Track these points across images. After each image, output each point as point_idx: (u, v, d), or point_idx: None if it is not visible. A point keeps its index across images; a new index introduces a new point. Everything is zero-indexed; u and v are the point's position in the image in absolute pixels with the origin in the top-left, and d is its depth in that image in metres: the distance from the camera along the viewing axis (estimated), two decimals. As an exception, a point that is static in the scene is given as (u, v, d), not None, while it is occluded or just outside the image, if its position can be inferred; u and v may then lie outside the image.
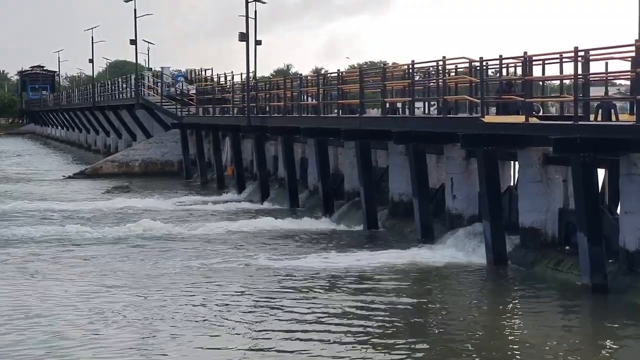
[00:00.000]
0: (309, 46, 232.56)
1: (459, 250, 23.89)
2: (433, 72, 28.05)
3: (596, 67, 20.78)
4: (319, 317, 17.22)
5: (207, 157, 49.29)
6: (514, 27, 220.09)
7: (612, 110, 20.58)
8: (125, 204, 36.41)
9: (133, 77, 63.01)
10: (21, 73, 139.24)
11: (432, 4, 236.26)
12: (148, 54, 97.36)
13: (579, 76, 19.52)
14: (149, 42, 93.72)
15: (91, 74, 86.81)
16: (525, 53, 22.01)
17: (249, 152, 44.14)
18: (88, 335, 16.00)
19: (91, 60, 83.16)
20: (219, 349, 15.26)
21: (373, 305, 18.16)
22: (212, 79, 58.23)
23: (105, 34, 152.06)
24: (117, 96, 69.62)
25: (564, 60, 22.15)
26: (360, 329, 16.30)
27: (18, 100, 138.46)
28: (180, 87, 58.79)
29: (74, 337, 15.89)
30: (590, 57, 19.52)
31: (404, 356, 14.76)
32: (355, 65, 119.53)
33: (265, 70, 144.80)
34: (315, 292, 19.55)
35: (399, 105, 30.57)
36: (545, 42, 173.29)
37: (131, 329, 16.40)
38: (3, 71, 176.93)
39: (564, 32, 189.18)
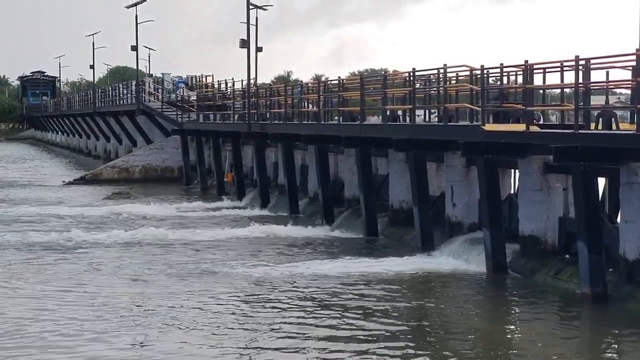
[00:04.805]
0: (314, 53, 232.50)
1: (459, 258, 23.88)
2: (434, 80, 28.06)
3: (597, 76, 20.84)
4: (317, 324, 17.20)
5: (207, 163, 49.31)
6: (519, 35, 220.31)
7: (613, 119, 20.58)
8: (125, 210, 36.38)
9: (134, 83, 63.07)
10: (22, 78, 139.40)
11: (438, 11, 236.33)
12: (149, 60, 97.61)
13: (579, 85, 19.55)
14: (150, 49, 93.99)
15: (92, 80, 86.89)
16: (526, 61, 22.02)
17: (249, 158, 44.15)
18: (84, 338, 15.99)
19: (92, 66, 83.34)
20: (216, 353, 15.25)
21: (371, 313, 18.13)
22: (212, 85, 58.30)
23: (107, 40, 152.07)
24: (117, 102, 69.68)
25: (564, 68, 22.19)
26: (358, 337, 16.25)
27: (18, 105, 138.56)
28: (181, 94, 58.81)
29: (67, 340, 15.89)
30: (591, 66, 19.55)
31: (403, 364, 14.80)
32: (357, 72, 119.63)
33: (269, 76, 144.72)
34: (314, 299, 19.53)
35: (400, 112, 30.58)
36: (547, 50, 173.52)
37: (130, 332, 16.39)
38: (4, 76, 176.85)
39: (565, 40, 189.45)
